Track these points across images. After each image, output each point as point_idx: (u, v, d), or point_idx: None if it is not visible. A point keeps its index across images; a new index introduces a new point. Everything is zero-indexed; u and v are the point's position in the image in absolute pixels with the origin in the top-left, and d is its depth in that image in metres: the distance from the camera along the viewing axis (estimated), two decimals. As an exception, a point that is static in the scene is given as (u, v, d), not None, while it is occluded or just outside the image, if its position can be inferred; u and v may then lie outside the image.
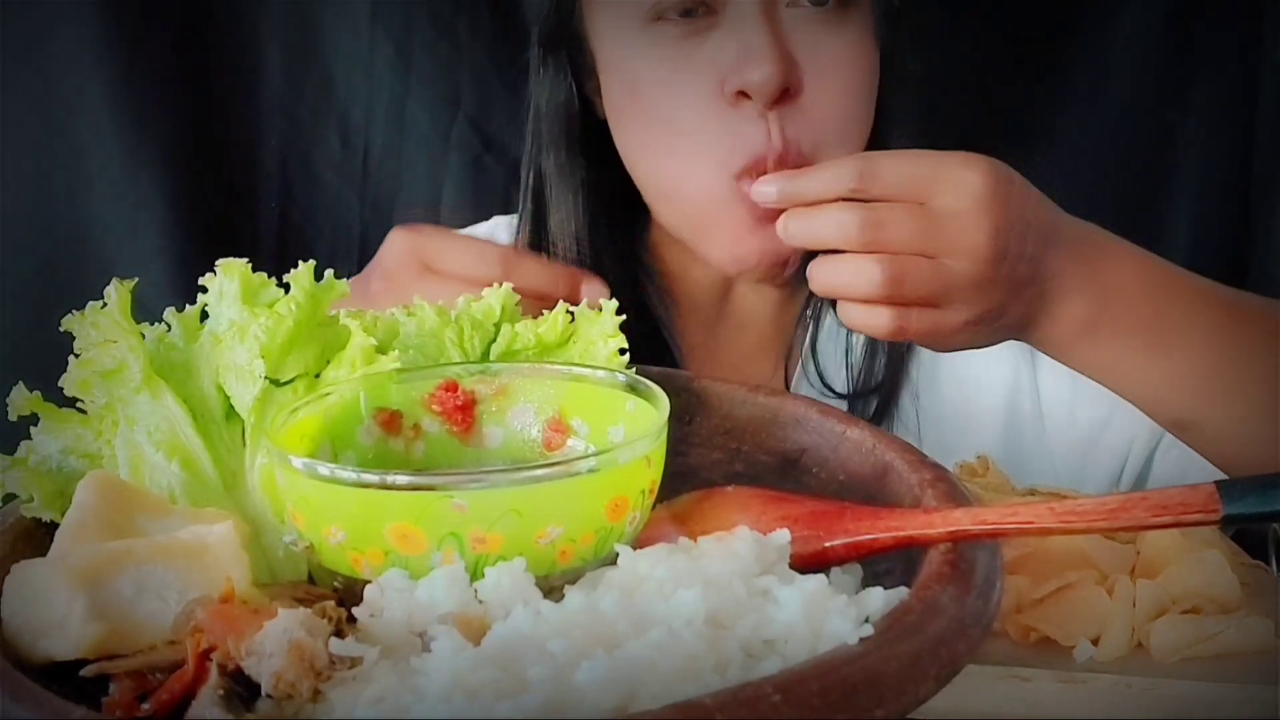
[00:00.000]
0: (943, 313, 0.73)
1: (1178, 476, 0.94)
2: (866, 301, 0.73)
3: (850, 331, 1.02)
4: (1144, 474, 1.00)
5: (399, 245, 0.82)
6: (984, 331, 0.76)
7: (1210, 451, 0.83)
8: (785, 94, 0.85)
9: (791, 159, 0.85)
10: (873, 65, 0.92)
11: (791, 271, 0.93)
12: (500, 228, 1.14)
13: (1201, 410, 0.81)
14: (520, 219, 1.03)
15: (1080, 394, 0.98)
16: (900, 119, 0.97)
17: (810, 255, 0.89)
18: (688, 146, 0.88)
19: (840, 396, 1.02)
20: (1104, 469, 1.00)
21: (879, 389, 1.01)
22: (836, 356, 1.03)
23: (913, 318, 0.73)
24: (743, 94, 0.85)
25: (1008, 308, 0.75)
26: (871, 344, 1.02)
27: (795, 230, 0.75)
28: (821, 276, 0.75)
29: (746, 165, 0.86)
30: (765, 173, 0.84)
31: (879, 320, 0.74)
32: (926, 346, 0.92)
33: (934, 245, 0.72)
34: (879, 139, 0.95)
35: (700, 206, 0.90)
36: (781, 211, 0.84)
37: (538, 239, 1.01)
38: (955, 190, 0.72)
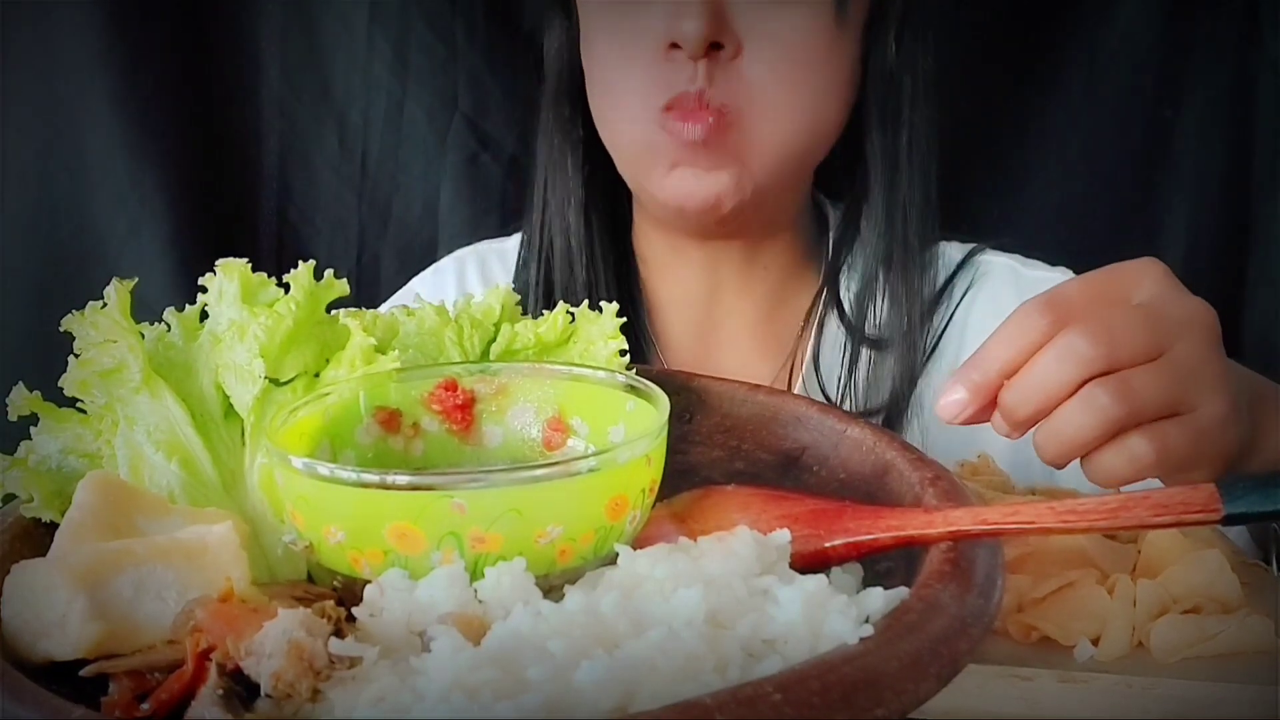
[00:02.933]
0: (1193, 415, 0.61)
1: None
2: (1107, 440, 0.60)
3: (854, 344, 1.00)
4: None
5: None
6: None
7: None
8: (719, 50, 0.89)
9: (716, 108, 0.88)
10: (824, 47, 0.93)
11: (728, 217, 0.94)
12: (468, 260, 1.15)
13: None
14: (527, 191, 1.07)
15: None
16: (885, 120, 0.98)
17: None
18: (621, 85, 0.93)
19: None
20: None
21: (881, 410, 0.99)
22: (839, 370, 1.01)
23: (1170, 433, 0.60)
24: (675, 46, 0.89)
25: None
26: (876, 361, 1.00)
27: (1049, 444, 0.61)
28: (1050, 445, 0.61)
29: (671, 100, 0.89)
30: (691, 109, 0.88)
31: (1138, 452, 0.60)
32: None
33: (1181, 396, 0.61)
34: (855, 132, 0.98)
35: (634, 142, 0.94)
36: (707, 144, 0.88)
37: (532, 215, 1.04)
38: (1191, 335, 0.61)
